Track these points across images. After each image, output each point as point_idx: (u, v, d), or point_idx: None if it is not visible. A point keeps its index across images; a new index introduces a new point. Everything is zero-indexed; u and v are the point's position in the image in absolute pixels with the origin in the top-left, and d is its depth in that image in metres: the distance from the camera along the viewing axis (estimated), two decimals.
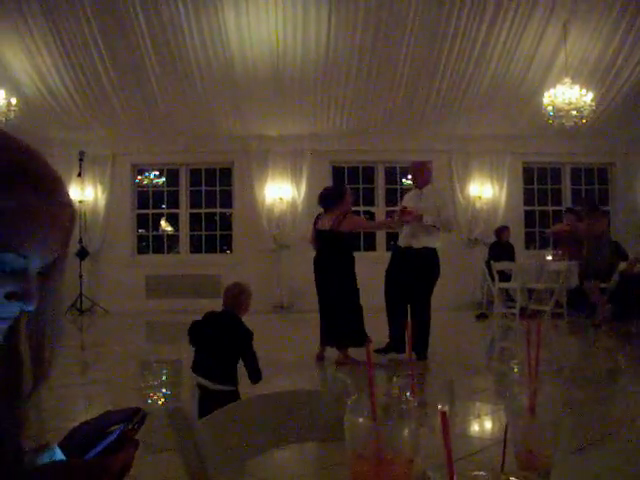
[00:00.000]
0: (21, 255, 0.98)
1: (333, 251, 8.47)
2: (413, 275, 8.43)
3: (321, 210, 8.69)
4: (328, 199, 8.59)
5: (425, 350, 8.21)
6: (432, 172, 9.19)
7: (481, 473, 0.74)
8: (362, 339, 8.09)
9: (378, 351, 8.26)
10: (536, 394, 1.22)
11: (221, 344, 4.92)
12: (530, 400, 1.22)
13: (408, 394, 1.16)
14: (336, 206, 8.46)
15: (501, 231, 14.91)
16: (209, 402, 4.56)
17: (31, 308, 1.03)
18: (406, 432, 0.98)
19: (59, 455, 1.13)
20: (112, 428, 1.15)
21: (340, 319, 8.31)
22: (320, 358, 8.39)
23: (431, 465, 0.94)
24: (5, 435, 1.11)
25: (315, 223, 8.74)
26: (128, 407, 1.18)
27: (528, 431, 1.21)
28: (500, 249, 14.47)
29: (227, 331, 4.98)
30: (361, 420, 0.99)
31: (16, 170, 0.98)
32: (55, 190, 1.03)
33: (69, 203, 1.07)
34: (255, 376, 4.79)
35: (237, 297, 5.09)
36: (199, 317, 5.09)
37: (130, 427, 1.11)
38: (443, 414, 0.64)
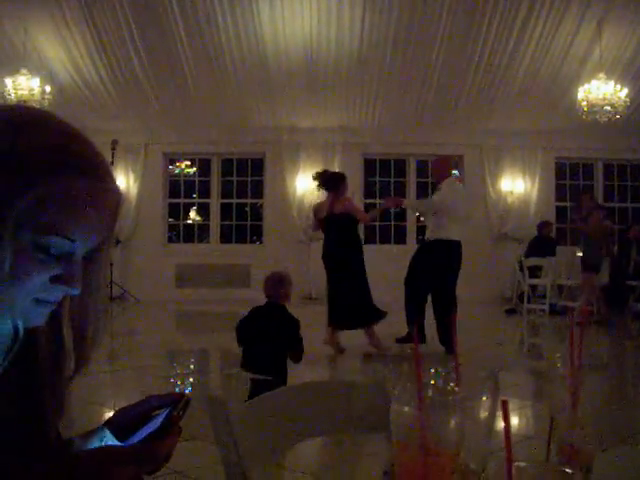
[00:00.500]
0: (67, 239, 0.99)
1: (348, 234, 8.47)
2: (427, 267, 8.46)
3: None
4: (330, 182, 8.61)
5: (449, 344, 8.21)
6: (449, 167, 9.13)
7: (533, 463, 0.74)
8: (378, 315, 8.28)
9: (399, 340, 8.35)
10: (579, 389, 1.22)
11: (270, 337, 4.92)
12: (573, 395, 1.21)
13: (453, 384, 1.15)
14: (340, 189, 8.51)
15: (543, 226, 14.76)
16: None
17: (76, 292, 1.04)
18: (452, 423, 0.97)
19: (110, 438, 1.14)
20: (157, 412, 1.15)
21: (355, 300, 8.33)
22: (341, 350, 8.38)
23: (476, 457, 0.94)
24: (48, 417, 1.12)
25: (316, 212, 8.76)
26: (171, 392, 1.19)
27: (571, 426, 1.20)
28: (540, 244, 14.32)
29: (274, 323, 4.98)
30: (407, 409, 0.99)
31: (63, 154, 0.99)
32: (102, 174, 1.04)
33: (115, 188, 1.07)
34: (297, 358, 4.84)
35: (276, 286, 5.11)
36: (244, 312, 5.14)
37: (176, 413, 1.11)
38: (505, 403, 0.63)
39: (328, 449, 4.50)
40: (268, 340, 4.88)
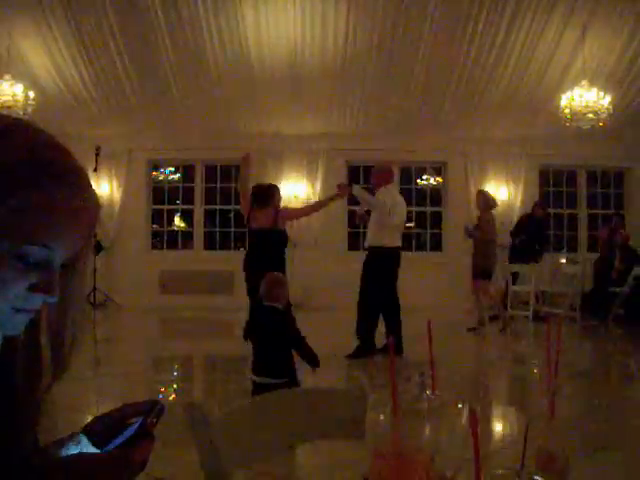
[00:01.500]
0: (45, 247, 0.99)
1: (269, 248, 8.23)
2: (374, 275, 8.67)
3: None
4: (261, 197, 8.36)
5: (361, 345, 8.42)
6: (389, 176, 9.20)
7: (505, 471, 0.74)
8: None
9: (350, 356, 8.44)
10: (555, 396, 1.22)
11: (268, 338, 5.09)
12: (550, 402, 1.22)
13: (429, 392, 1.16)
14: (269, 204, 8.30)
15: (537, 205, 14.56)
16: None
17: (53, 300, 1.04)
18: (427, 430, 0.98)
19: (85, 444, 1.14)
20: (131, 420, 1.15)
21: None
22: None
23: (451, 464, 0.94)
24: (24, 425, 1.12)
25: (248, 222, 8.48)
26: (146, 400, 1.19)
27: (548, 432, 1.21)
28: (531, 222, 14.20)
29: (270, 325, 5.13)
30: (382, 417, 0.99)
31: (42, 164, 0.99)
32: (79, 183, 1.04)
33: (93, 196, 1.07)
34: (312, 361, 4.94)
35: (271, 289, 5.23)
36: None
37: (149, 420, 1.11)
38: (473, 412, 0.64)
39: (308, 456, 4.50)
40: (268, 340, 5.07)
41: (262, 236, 8.25)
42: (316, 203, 9.56)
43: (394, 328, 8.38)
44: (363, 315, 8.67)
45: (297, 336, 5.09)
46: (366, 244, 8.95)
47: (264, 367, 5.03)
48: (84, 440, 1.15)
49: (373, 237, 8.76)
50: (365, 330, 8.55)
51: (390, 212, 8.61)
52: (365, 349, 8.44)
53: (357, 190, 8.78)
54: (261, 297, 5.26)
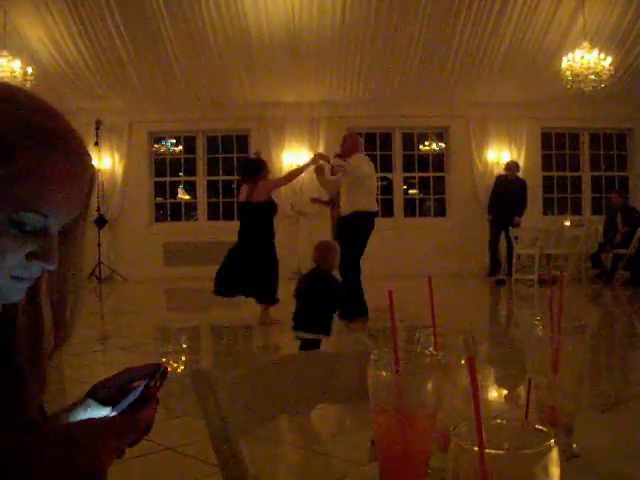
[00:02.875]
0: (41, 215, 0.99)
1: (251, 223, 8.91)
2: (353, 238, 8.62)
3: None
4: (246, 170, 9.06)
5: (350, 311, 8.26)
6: (358, 143, 9.26)
7: (503, 423, 0.74)
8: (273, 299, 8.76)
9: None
10: (559, 351, 1.22)
11: (315, 299, 5.57)
12: (553, 357, 1.22)
13: (431, 349, 1.16)
14: (254, 178, 8.87)
15: (510, 167, 14.56)
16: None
17: (52, 268, 1.04)
18: (429, 386, 0.98)
19: (95, 407, 1.15)
20: (135, 384, 1.16)
21: (260, 281, 8.71)
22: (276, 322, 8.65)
23: (455, 419, 0.94)
24: (29, 392, 1.13)
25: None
26: (148, 363, 1.19)
27: (551, 388, 1.21)
28: (508, 183, 14.20)
29: (320, 287, 5.62)
30: (384, 374, 0.99)
31: (35, 128, 0.98)
32: (75, 149, 1.03)
33: (89, 163, 1.07)
34: (345, 314, 5.85)
35: (324, 254, 5.82)
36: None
37: (152, 384, 1.12)
38: (470, 359, 0.64)
39: (315, 420, 4.53)
40: (313, 301, 5.55)
41: (241, 209, 9.18)
42: (290, 172, 9.77)
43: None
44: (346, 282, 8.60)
45: (341, 299, 5.65)
46: (343, 212, 8.92)
47: (311, 324, 5.45)
48: (92, 403, 1.16)
49: (350, 203, 8.77)
50: (353, 295, 8.46)
51: (364, 176, 8.68)
52: (358, 313, 8.37)
53: (335, 160, 8.93)
54: (315, 262, 5.86)
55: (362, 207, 8.63)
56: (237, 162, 9.15)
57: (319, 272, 5.72)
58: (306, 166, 9.53)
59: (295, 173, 9.90)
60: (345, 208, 8.85)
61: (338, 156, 9.08)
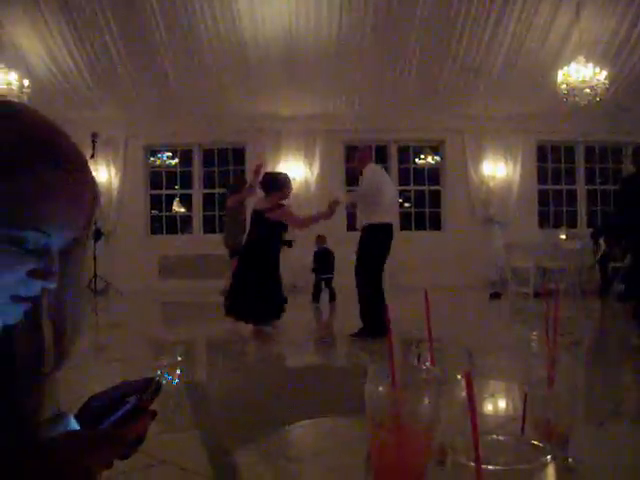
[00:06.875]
0: (43, 233, 0.98)
1: (260, 232, 8.83)
2: (370, 252, 8.62)
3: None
4: (268, 185, 8.97)
5: (365, 327, 8.19)
6: (370, 156, 9.18)
7: (505, 437, 0.74)
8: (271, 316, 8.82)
9: (354, 335, 8.31)
10: (555, 365, 1.22)
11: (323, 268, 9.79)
12: (549, 370, 1.22)
13: (427, 364, 1.16)
14: (275, 193, 8.87)
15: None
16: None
17: (53, 286, 1.03)
18: (426, 401, 0.98)
19: (74, 425, 1.14)
20: (128, 398, 1.16)
21: (252, 297, 8.65)
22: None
23: (451, 434, 0.94)
24: (26, 412, 1.12)
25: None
26: (143, 377, 1.19)
27: (547, 401, 1.21)
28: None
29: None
30: (381, 388, 0.99)
31: (40, 148, 0.98)
32: (78, 167, 1.03)
33: (92, 180, 1.06)
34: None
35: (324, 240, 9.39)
36: None
37: (145, 397, 1.12)
38: (467, 375, 0.64)
39: (311, 433, 4.51)
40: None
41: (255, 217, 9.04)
42: (308, 220, 9.64)
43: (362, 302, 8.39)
44: (363, 297, 8.54)
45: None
46: (359, 226, 8.92)
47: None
48: (71, 420, 1.15)
49: (365, 216, 8.76)
50: (370, 311, 8.36)
51: (378, 190, 8.65)
52: (371, 332, 8.24)
53: (346, 198, 9.03)
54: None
55: (376, 220, 8.62)
56: (262, 177, 9.16)
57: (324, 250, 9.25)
58: (325, 216, 9.33)
59: (313, 222, 9.79)
60: (360, 221, 8.87)
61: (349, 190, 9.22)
